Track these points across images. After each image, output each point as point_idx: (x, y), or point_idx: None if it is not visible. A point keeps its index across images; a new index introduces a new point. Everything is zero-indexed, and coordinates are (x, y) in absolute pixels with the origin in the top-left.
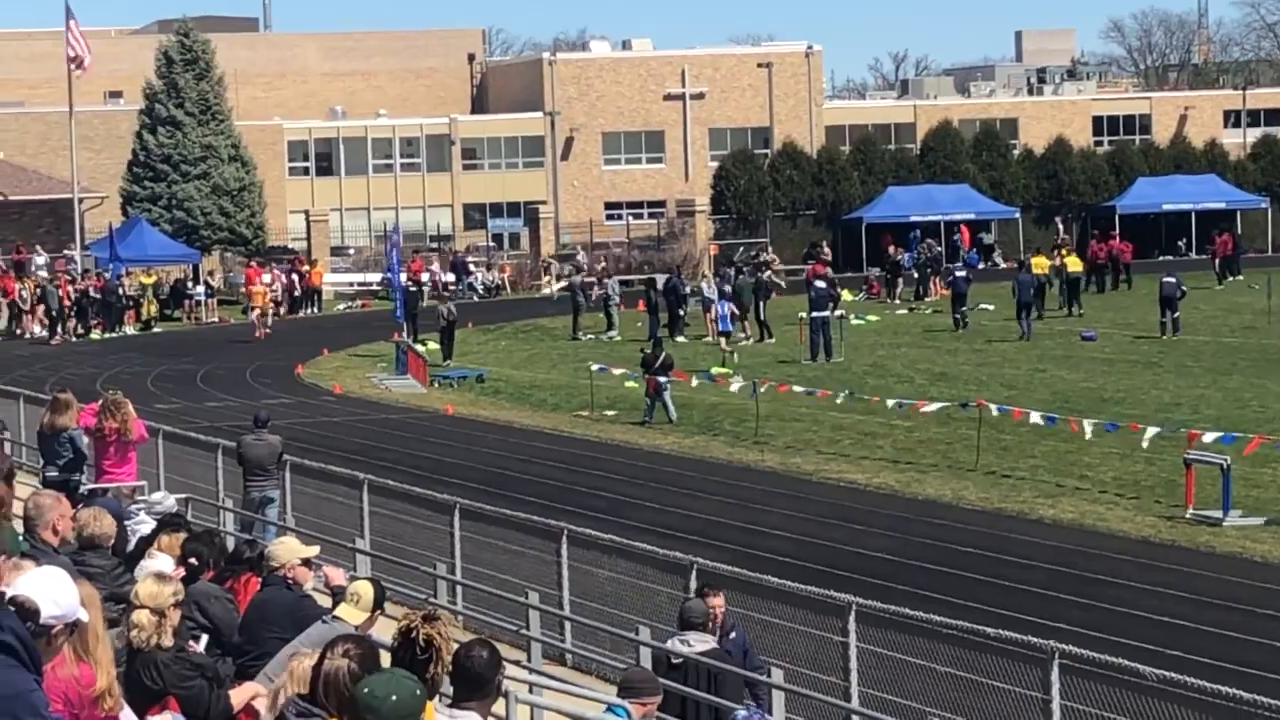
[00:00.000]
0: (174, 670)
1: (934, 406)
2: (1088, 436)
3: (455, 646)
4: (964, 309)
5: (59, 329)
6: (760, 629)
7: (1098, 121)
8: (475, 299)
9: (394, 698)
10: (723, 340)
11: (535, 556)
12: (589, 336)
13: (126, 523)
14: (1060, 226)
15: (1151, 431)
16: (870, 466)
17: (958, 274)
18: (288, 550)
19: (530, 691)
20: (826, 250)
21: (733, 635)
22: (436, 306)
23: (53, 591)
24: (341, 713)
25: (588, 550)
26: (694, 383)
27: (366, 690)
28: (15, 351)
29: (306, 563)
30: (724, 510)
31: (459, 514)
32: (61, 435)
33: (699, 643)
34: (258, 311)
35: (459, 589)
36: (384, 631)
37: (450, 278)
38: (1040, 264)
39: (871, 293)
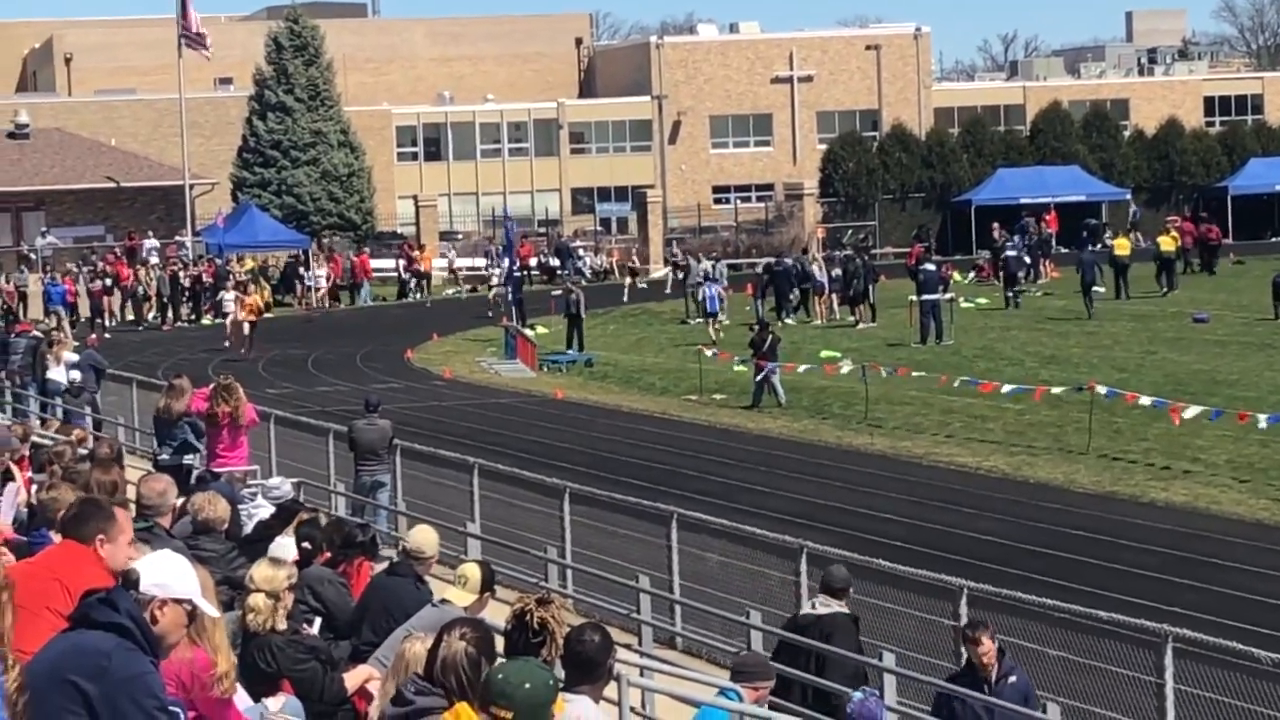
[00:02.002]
0: (288, 653)
1: (1056, 389)
2: (1187, 416)
3: (567, 630)
4: (1017, 289)
5: (169, 315)
6: (871, 613)
7: (1209, 102)
8: (583, 283)
9: (527, 685)
10: (710, 322)
11: (645, 540)
12: (697, 320)
13: (242, 507)
14: (1135, 210)
15: (1264, 421)
16: (981, 450)
17: (1009, 254)
18: (434, 543)
19: (641, 675)
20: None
21: (1012, 679)
22: (565, 294)
23: (170, 572)
24: (461, 695)
25: (697, 534)
26: (801, 368)
27: (500, 677)
28: (128, 337)
29: None
30: (833, 494)
31: (569, 498)
32: (179, 420)
33: (823, 607)
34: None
35: (569, 573)
36: (494, 615)
37: (555, 262)
38: (1122, 245)
39: (981, 276)
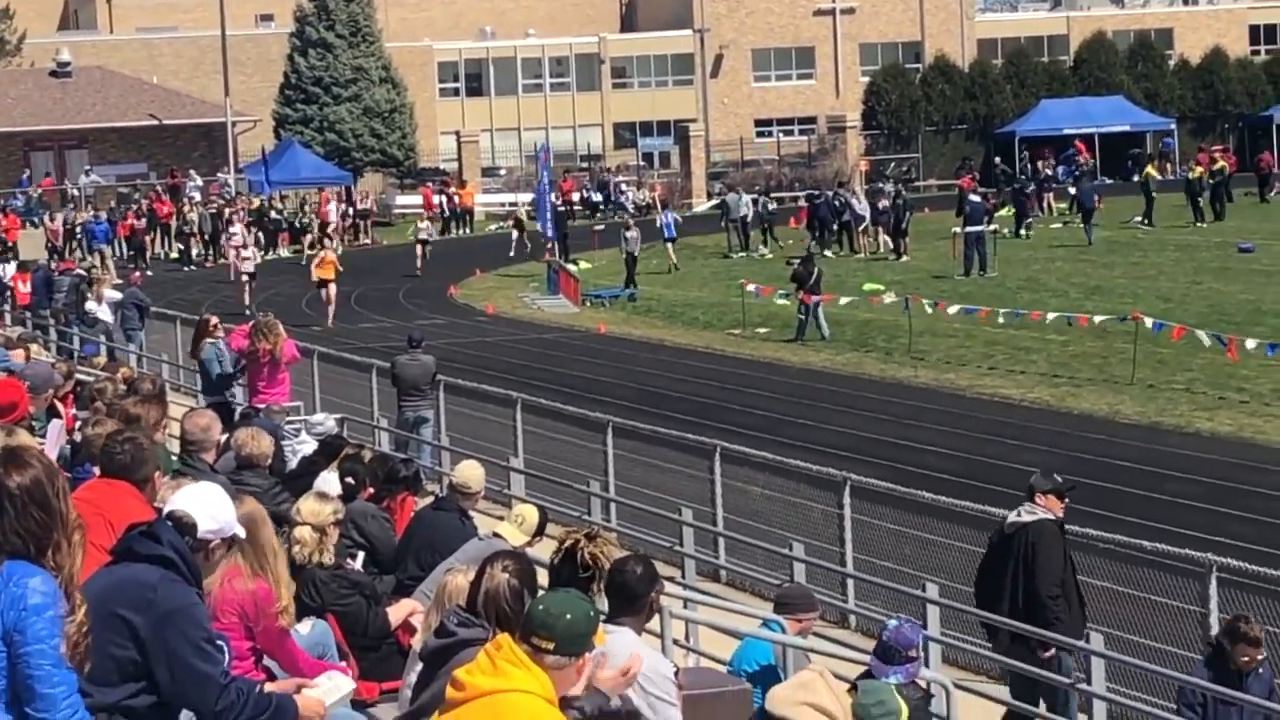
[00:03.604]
0: (332, 588)
1: (1099, 318)
2: (1249, 348)
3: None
4: (1028, 221)
5: (212, 253)
6: (916, 545)
7: (1254, 30)
8: (626, 218)
9: (569, 616)
10: (669, 247)
11: (688, 474)
12: (741, 254)
13: (286, 443)
14: (1166, 141)
15: None
16: (1025, 381)
17: (1016, 186)
18: (480, 479)
19: (685, 607)
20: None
21: (1260, 671)
22: (621, 232)
23: (210, 506)
24: (503, 627)
25: (741, 467)
26: (843, 300)
27: (541, 608)
28: (172, 275)
29: None
30: (877, 426)
31: (612, 432)
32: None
33: (1028, 514)
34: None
35: (612, 506)
36: (542, 552)
37: (598, 197)
38: (1150, 173)
39: (1029, 207)
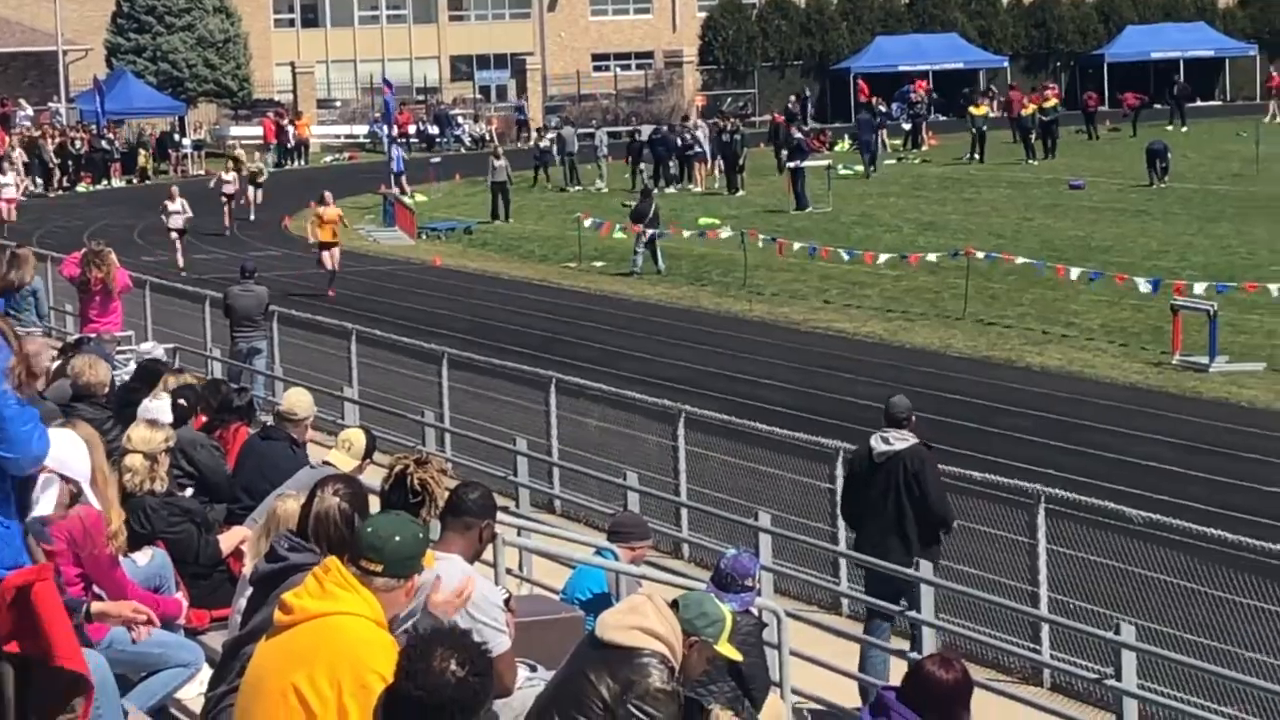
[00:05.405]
0: (163, 515)
1: (932, 256)
2: (1073, 278)
3: (446, 492)
4: (868, 156)
5: (44, 181)
6: (749, 477)
7: None
8: (462, 151)
9: (397, 538)
10: (396, 180)
11: (524, 406)
12: (577, 188)
13: (115, 372)
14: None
15: (1144, 286)
16: (858, 315)
17: (861, 119)
18: (308, 405)
19: (519, 535)
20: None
21: None
22: (490, 161)
23: (67, 449)
24: (333, 551)
25: (576, 399)
26: (684, 234)
27: (370, 530)
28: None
29: None
30: (713, 359)
31: (447, 363)
32: (23, 289)
33: (899, 440)
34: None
35: (447, 437)
36: (372, 478)
37: (434, 130)
38: (979, 110)
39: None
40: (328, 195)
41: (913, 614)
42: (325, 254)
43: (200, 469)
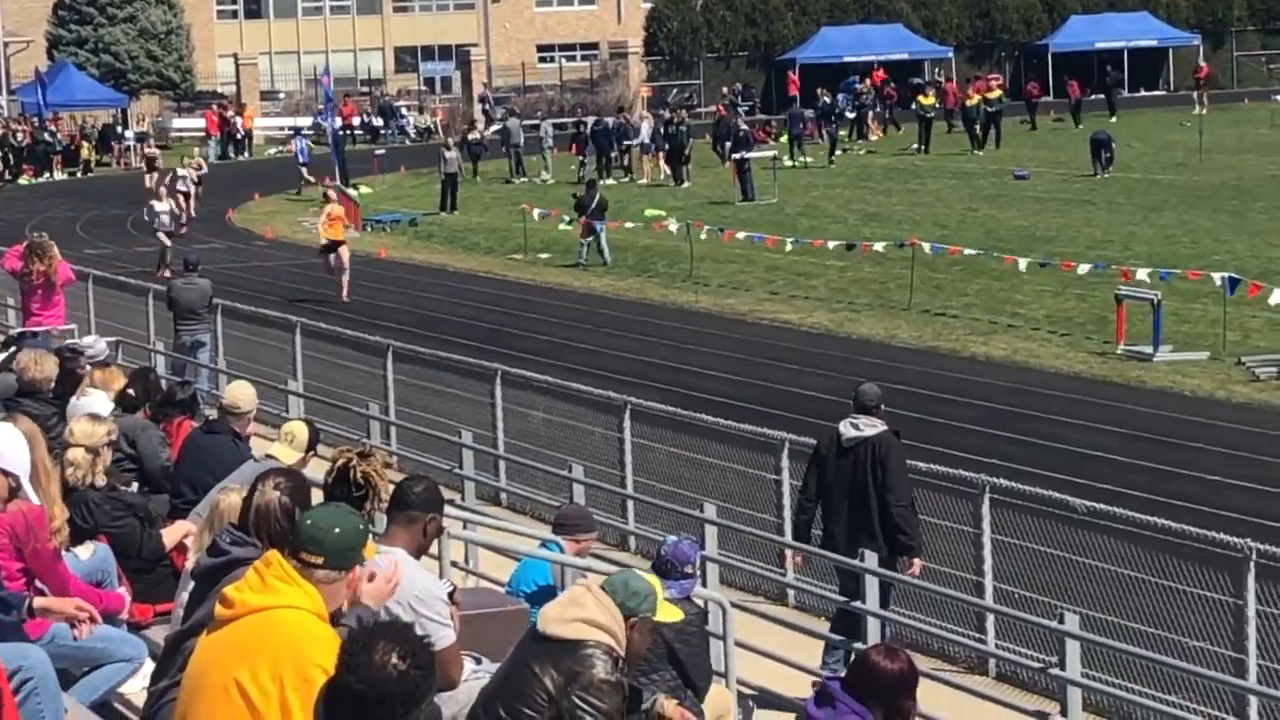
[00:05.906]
0: (105, 509)
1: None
2: (1022, 269)
3: (390, 485)
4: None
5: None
6: (694, 468)
7: None
8: (406, 143)
9: (337, 530)
10: (304, 170)
11: (469, 399)
12: (523, 180)
13: None
14: (938, 71)
15: (1085, 269)
16: (804, 306)
17: (795, 113)
18: (251, 399)
19: (465, 528)
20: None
21: None
22: (440, 152)
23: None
24: (275, 544)
25: (522, 391)
26: (628, 225)
27: (309, 522)
28: None
29: None
30: (659, 351)
31: (392, 356)
32: None
33: (868, 427)
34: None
35: (392, 430)
36: (316, 471)
37: (379, 122)
38: (927, 100)
39: (805, 134)
40: (331, 193)
41: (857, 604)
42: (332, 254)
43: (140, 452)
